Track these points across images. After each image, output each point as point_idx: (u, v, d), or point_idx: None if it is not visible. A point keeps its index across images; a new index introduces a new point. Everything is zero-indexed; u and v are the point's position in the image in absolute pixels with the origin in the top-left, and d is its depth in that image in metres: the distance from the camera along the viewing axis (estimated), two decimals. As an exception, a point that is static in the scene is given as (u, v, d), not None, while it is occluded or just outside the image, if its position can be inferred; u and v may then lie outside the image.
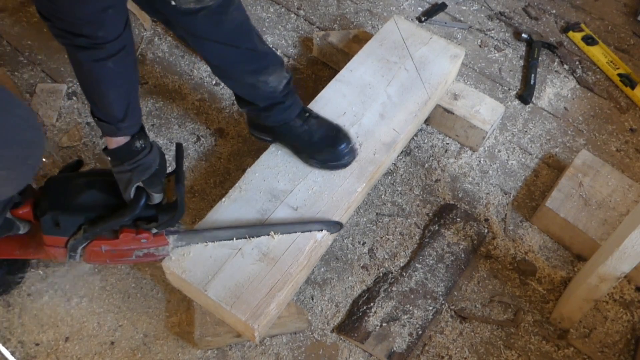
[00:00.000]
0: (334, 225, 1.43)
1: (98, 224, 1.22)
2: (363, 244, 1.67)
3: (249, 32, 1.33)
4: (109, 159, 1.20)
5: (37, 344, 1.44)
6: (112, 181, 1.21)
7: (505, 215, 1.76)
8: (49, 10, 1.02)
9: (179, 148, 1.30)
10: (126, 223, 1.24)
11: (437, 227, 1.69)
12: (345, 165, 1.50)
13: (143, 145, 1.18)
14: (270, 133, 1.53)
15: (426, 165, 1.84)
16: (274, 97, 1.44)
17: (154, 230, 1.27)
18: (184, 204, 1.24)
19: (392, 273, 1.61)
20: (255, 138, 1.60)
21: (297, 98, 1.50)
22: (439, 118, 1.87)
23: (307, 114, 1.51)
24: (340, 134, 1.51)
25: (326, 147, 1.47)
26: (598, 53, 2.19)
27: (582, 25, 2.28)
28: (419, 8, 2.31)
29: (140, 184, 1.19)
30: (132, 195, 1.19)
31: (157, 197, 1.23)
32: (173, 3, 1.07)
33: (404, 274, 1.60)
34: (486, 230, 1.71)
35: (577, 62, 2.18)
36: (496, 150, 1.91)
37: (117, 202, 1.22)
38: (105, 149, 1.20)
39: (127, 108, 1.15)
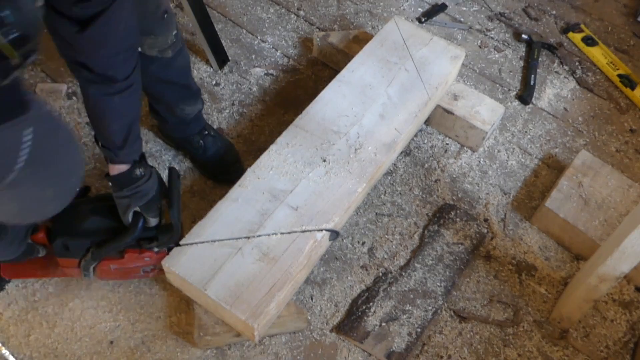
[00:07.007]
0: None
1: (103, 246, 1.32)
2: (362, 243, 1.67)
3: (188, 72, 1.61)
4: (110, 184, 1.28)
5: (36, 344, 1.44)
6: (114, 205, 1.30)
7: (505, 215, 1.76)
8: (68, 53, 1.12)
9: (172, 172, 1.38)
10: (128, 244, 1.32)
11: (436, 227, 1.70)
12: (233, 181, 1.48)
13: (142, 173, 1.26)
14: (173, 142, 1.79)
15: (426, 166, 1.84)
16: (183, 119, 1.66)
17: (156, 249, 1.35)
18: (180, 227, 1.32)
19: (391, 273, 1.61)
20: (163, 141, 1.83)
21: (202, 118, 1.73)
22: (439, 118, 1.87)
23: (206, 132, 1.73)
24: (232, 151, 1.76)
25: (218, 161, 1.72)
26: (598, 54, 2.19)
27: (582, 26, 2.28)
28: (419, 9, 2.31)
29: (137, 209, 1.27)
30: (130, 219, 1.28)
31: (153, 221, 1.31)
32: (139, 50, 1.21)
33: (404, 274, 1.60)
34: (486, 231, 1.71)
35: (577, 63, 2.18)
36: (496, 150, 1.92)
37: (119, 225, 1.30)
38: (107, 175, 1.28)
39: (127, 137, 1.23)
